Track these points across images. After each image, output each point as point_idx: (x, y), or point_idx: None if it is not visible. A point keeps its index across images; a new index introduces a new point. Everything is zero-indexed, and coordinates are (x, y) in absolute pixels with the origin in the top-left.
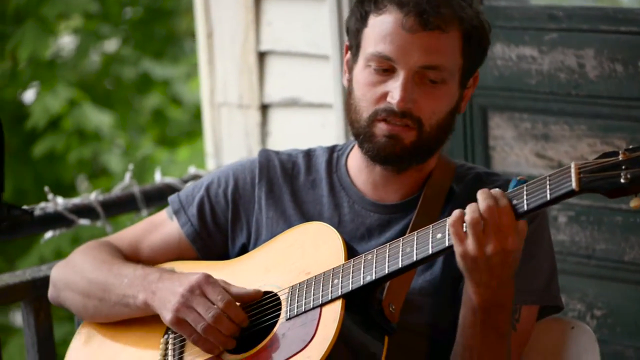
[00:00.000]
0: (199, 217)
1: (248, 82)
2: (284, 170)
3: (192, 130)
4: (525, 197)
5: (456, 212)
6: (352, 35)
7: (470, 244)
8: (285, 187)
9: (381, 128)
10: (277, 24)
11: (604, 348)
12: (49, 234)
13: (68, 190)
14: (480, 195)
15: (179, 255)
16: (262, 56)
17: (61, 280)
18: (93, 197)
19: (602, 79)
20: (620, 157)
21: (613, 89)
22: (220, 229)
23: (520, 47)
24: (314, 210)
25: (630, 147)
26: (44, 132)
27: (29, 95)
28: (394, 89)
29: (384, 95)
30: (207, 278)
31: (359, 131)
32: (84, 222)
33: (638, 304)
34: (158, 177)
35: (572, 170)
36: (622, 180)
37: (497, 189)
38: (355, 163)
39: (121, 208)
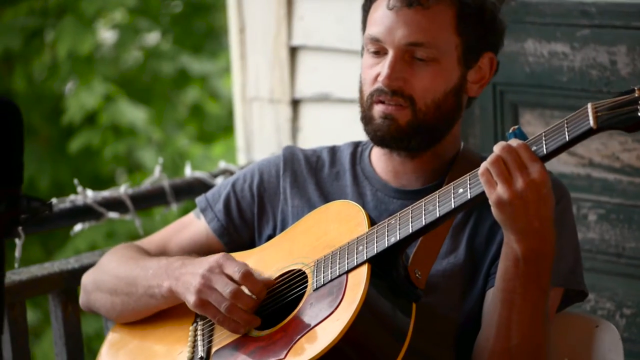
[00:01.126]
0: (226, 212)
1: (279, 77)
2: (308, 163)
3: (229, 125)
4: (544, 140)
5: (484, 163)
6: (362, 25)
7: (500, 187)
8: (310, 179)
9: (377, 109)
10: (308, 19)
11: (634, 347)
12: (78, 227)
13: (107, 184)
14: (496, 146)
15: (208, 251)
16: (293, 51)
17: (90, 283)
18: (122, 190)
19: (634, 76)
20: (637, 94)
21: None
22: (246, 223)
23: (552, 44)
24: (339, 199)
25: None
26: (80, 127)
27: (70, 90)
28: (383, 68)
29: (377, 76)
30: (225, 255)
31: (363, 115)
32: (113, 215)
33: None
34: (188, 171)
35: (590, 109)
36: (639, 114)
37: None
38: (377, 153)
39: (150, 202)
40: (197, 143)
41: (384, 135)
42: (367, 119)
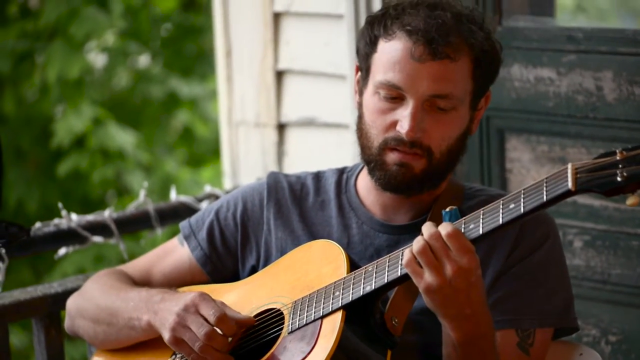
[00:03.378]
0: (209, 240)
1: (265, 101)
2: (292, 191)
3: (218, 148)
4: (522, 200)
5: (407, 251)
6: (361, 58)
7: (428, 274)
8: (294, 209)
9: (392, 157)
10: (295, 43)
11: None
12: (62, 251)
13: (96, 207)
14: (424, 229)
15: (191, 280)
16: (279, 75)
17: (74, 309)
18: (107, 214)
19: (620, 101)
20: (618, 157)
21: (631, 112)
22: (230, 252)
23: (538, 69)
24: (323, 231)
25: (629, 146)
26: (69, 150)
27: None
28: (403, 117)
29: (394, 124)
30: (202, 295)
31: (370, 159)
32: (97, 239)
33: None
34: (173, 196)
35: (569, 170)
36: (618, 179)
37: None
38: (365, 184)
39: (135, 226)
40: (186, 167)
41: (398, 183)
42: (378, 164)
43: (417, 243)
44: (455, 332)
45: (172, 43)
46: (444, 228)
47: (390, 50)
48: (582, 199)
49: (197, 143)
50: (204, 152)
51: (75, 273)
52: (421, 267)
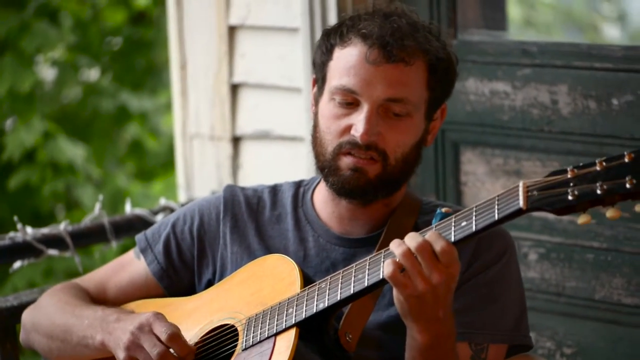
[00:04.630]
0: (165, 254)
1: (220, 114)
2: (248, 205)
3: (168, 162)
4: (474, 217)
5: (388, 262)
6: (318, 68)
7: (417, 283)
8: (250, 222)
9: (346, 161)
10: (250, 56)
11: None
12: (17, 264)
13: (47, 220)
14: (408, 238)
15: (147, 293)
16: (234, 88)
17: (29, 323)
18: (62, 227)
19: (575, 115)
20: (569, 175)
21: (586, 126)
22: (186, 266)
23: (494, 82)
24: (280, 244)
25: (580, 164)
26: (19, 164)
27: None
28: (358, 121)
29: (348, 128)
30: (156, 315)
31: (324, 164)
32: (52, 252)
33: (608, 343)
34: (128, 209)
35: (520, 189)
36: (569, 197)
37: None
38: (321, 197)
39: (90, 239)
40: (136, 180)
41: (352, 188)
42: (332, 170)
43: (402, 251)
44: (423, 334)
45: (122, 57)
46: (435, 241)
47: (346, 56)
48: (536, 212)
49: (148, 157)
50: (154, 165)
51: (26, 287)
52: (404, 275)
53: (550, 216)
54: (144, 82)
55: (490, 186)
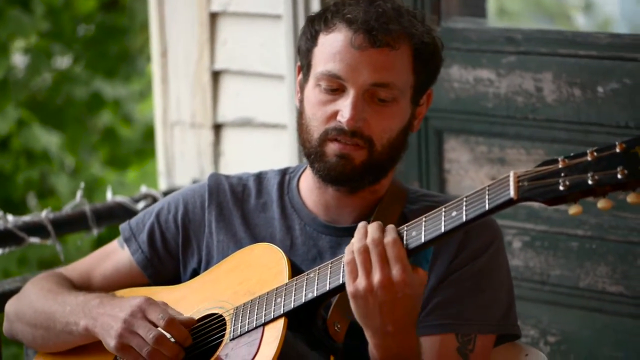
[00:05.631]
0: (150, 243)
1: (201, 101)
2: (233, 193)
3: (142, 149)
4: (464, 208)
5: (348, 249)
6: (303, 55)
7: (359, 277)
8: (236, 211)
9: (332, 147)
10: (232, 43)
11: None
12: None
13: (19, 208)
14: (370, 227)
15: (131, 282)
16: (216, 75)
17: (12, 313)
18: (44, 215)
19: (560, 103)
20: (560, 165)
21: (571, 114)
22: (171, 255)
23: (478, 70)
24: (266, 232)
25: (571, 154)
26: None
27: None
28: (344, 107)
29: (334, 114)
30: (148, 300)
31: (310, 151)
32: (34, 240)
33: (592, 331)
34: (109, 196)
35: (511, 179)
36: (560, 188)
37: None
38: (307, 184)
39: (72, 226)
40: (110, 168)
41: (338, 174)
42: (318, 156)
43: (359, 242)
44: (377, 350)
45: (95, 44)
46: (389, 234)
47: (331, 42)
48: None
49: (121, 144)
50: (128, 153)
51: (1, 277)
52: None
53: (535, 204)
54: (118, 69)
55: (474, 174)
